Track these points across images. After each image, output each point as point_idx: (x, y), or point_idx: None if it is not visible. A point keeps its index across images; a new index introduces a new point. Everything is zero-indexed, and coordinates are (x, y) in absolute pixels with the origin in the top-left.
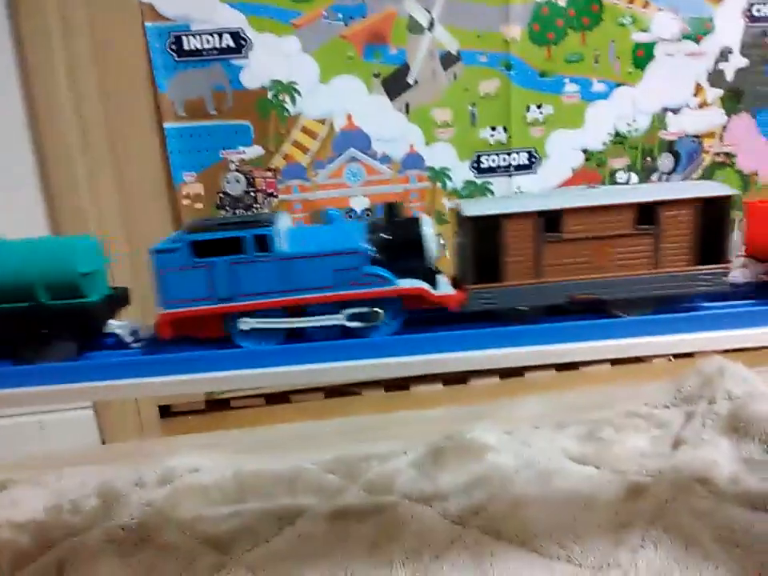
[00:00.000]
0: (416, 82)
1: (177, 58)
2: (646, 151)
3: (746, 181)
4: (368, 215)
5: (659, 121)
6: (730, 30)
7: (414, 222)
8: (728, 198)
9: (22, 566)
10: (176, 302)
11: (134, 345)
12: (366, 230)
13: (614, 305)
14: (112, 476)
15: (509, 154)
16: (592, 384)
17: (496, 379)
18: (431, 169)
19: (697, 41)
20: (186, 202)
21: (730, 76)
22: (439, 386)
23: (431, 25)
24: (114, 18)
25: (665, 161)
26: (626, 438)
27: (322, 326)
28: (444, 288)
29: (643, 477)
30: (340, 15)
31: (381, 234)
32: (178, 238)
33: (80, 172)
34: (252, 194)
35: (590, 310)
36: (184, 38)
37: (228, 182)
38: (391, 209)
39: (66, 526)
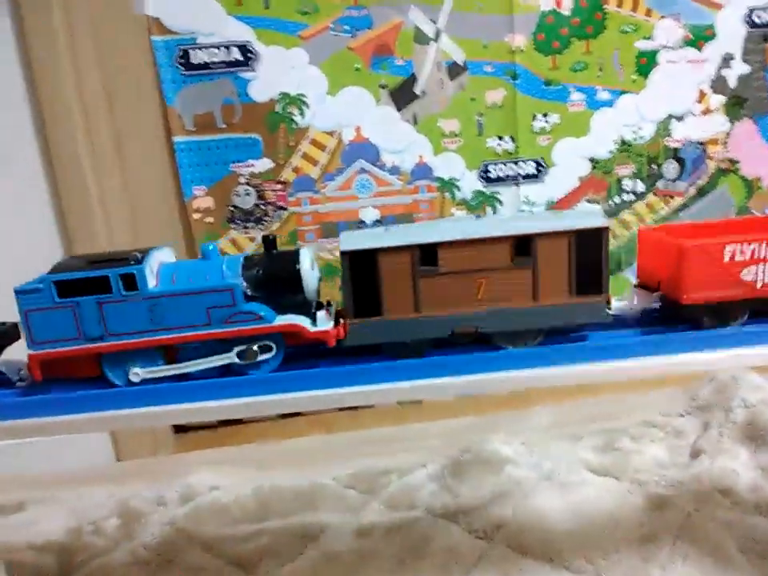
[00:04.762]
0: (423, 92)
1: (184, 72)
2: (651, 159)
3: (750, 186)
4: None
5: (664, 128)
6: (731, 36)
7: (292, 256)
8: (603, 229)
9: None
10: (44, 343)
11: (20, 384)
12: (242, 265)
13: (498, 337)
14: (131, 494)
15: (516, 163)
16: (602, 394)
17: None
18: (440, 179)
19: (699, 48)
20: (196, 216)
21: (732, 82)
22: (449, 398)
23: (437, 35)
24: (121, 31)
25: (670, 168)
26: (643, 447)
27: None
28: (322, 323)
29: (664, 488)
30: (347, 27)
31: (257, 270)
32: (42, 278)
33: (90, 187)
34: (262, 206)
35: (476, 342)
36: (191, 51)
37: (238, 196)
38: (268, 243)
39: (89, 547)
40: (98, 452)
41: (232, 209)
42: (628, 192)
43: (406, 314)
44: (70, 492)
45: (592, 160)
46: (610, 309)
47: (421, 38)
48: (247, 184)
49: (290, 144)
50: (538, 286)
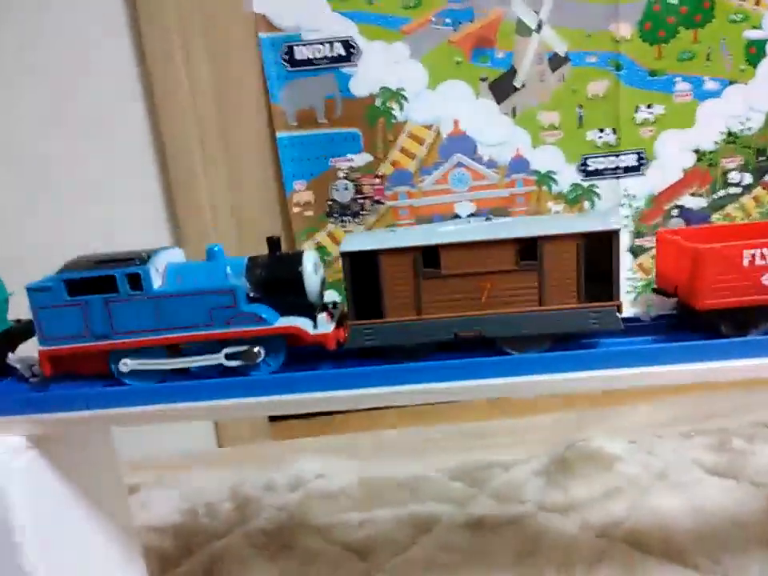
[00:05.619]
0: (523, 85)
1: (289, 68)
2: (759, 150)
3: None
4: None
5: None
6: None
7: (296, 258)
8: (613, 232)
9: (167, 569)
10: (54, 340)
11: (33, 379)
12: (246, 266)
13: (504, 342)
14: (239, 480)
15: (617, 156)
16: (703, 391)
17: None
18: (537, 172)
19: None
20: (296, 209)
21: None
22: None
23: (539, 26)
24: (230, 30)
25: None
26: (759, 448)
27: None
28: (322, 326)
29: None
30: (448, 20)
31: (261, 271)
32: (52, 277)
33: (199, 182)
34: (360, 201)
35: (481, 347)
36: (296, 47)
37: (337, 190)
38: (272, 244)
39: (206, 531)
40: (200, 438)
41: (330, 203)
42: (734, 185)
43: (408, 317)
44: (179, 476)
45: (696, 152)
46: (620, 315)
47: (522, 29)
48: (346, 178)
49: (389, 138)
50: (544, 291)
